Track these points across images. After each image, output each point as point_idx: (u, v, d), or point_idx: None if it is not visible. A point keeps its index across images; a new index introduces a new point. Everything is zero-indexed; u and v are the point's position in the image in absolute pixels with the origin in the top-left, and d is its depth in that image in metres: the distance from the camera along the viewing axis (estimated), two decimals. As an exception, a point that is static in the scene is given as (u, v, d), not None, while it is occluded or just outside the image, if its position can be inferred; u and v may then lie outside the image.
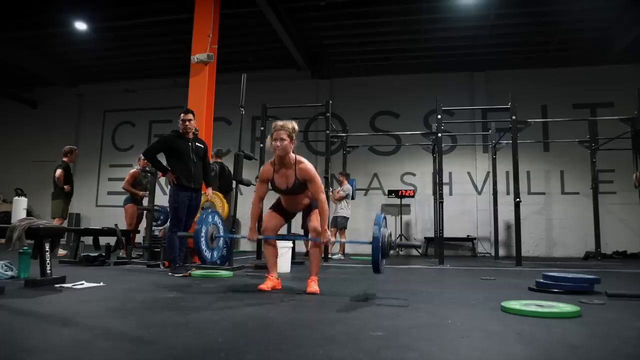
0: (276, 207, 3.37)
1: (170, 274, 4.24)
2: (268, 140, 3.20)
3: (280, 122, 3.15)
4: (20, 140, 12.84)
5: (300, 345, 1.65)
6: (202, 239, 3.34)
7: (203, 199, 4.90)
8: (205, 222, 3.44)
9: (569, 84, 10.14)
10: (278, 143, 3.08)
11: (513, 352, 1.61)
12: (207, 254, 3.38)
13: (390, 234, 2.95)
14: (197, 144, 4.70)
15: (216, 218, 3.63)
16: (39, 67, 11.66)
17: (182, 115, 4.64)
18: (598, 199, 8.15)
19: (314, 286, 3.14)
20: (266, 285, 3.19)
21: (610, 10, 8.54)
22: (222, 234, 3.70)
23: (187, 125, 4.59)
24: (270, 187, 3.25)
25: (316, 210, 3.21)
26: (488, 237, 9.84)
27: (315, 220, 3.18)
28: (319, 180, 3.17)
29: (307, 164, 3.16)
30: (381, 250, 2.88)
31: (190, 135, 4.65)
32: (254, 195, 3.30)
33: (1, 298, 2.61)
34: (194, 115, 4.75)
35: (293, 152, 3.19)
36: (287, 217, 3.42)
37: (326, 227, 3.13)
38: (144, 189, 6.72)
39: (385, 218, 3.09)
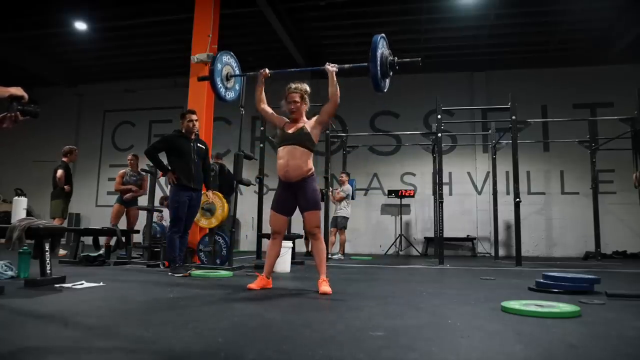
0: (276, 204, 3.32)
1: (170, 274, 4.23)
2: (283, 102, 3.40)
3: (293, 85, 3.36)
4: (20, 140, 12.83)
5: (300, 345, 1.65)
6: (218, 78, 3.34)
7: (203, 199, 4.87)
8: (220, 61, 3.44)
9: (569, 84, 10.14)
10: (292, 106, 3.31)
11: (513, 352, 1.61)
12: (223, 90, 3.40)
13: (391, 53, 2.96)
14: (198, 144, 4.65)
15: (231, 59, 3.64)
16: (39, 67, 11.66)
17: (187, 115, 4.56)
18: (598, 199, 8.15)
19: (325, 287, 3.09)
20: (256, 284, 3.25)
21: (610, 10, 8.54)
22: (237, 72, 3.71)
23: (193, 125, 4.54)
24: (277, 135, 3.37)
25: (314, 212, 3.24)
26: (488, 237, 9.84)
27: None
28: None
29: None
30: (380, 67, 2.90)
31: (193, 136, 4.62)
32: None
33: (1, 298, 2.62)
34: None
35: (306, 116, 3.39)
36: (287, 209, 3.33)
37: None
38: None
39: (384, 38, 3.13)
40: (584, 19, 8.92)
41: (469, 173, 10.52)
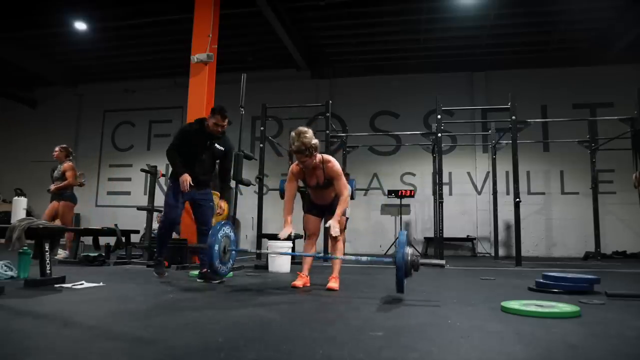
0: (309, 209, 3.60)
1: (154, 274, 3.90)
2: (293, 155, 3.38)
3: (296, 144, 3.19)
4: (19, 140, 12.84)
5: (300, 345, 1.65)
6: (215, 254, 3.16)
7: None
8: (217, 236, 3.20)
9: (569, 84, 10.14)
10: (306, 165, 3.30)
11: (513, 352, 1.61)
12: (221, 268, 3.25)
13: (414, 253, 2.91)
14: (216, 145, 4.00)
15: (228, 229, 3.40)
16: (39, 67, 11.66)
17: (218, 117, 3.89)
18: (598, 199, 8.15)
19: (333, 283, 3.32)
20: (299, 282, 3.41)
21: (610, 9, 8.54)
22: (234, 246, 3.47)
23: (219, 130, 3.95)
24: (301, 183, 3.50)
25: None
26: (488, 237, 9.84)
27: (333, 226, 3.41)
28: (343, 177, 3.43)
29: (334, 163, 3.39)
30: (404, 270, 2.85)
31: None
32: (286, 195, 3.49)
33: (1, 298, 2.61)
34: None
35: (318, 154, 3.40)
36: (321, 213, 3.61)
37: (340, 213, 3.32)
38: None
39: (407, 235, 3.09)
40: (584, 19, 8.92)
41: (468, 173, 10.53)
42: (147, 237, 5.70)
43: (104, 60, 11.64)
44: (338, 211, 3.29)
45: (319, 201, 3.57)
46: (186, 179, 3.76)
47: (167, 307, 2.54)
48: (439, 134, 6.84)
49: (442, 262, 3.09)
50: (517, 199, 6.28)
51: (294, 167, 3.45)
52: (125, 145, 12.44)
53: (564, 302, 2.55)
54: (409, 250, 2.82)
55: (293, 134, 3.25)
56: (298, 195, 3.67)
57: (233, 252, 3.41)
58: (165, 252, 4.09)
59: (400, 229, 10.16)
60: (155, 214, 6.84)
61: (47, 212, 5.97)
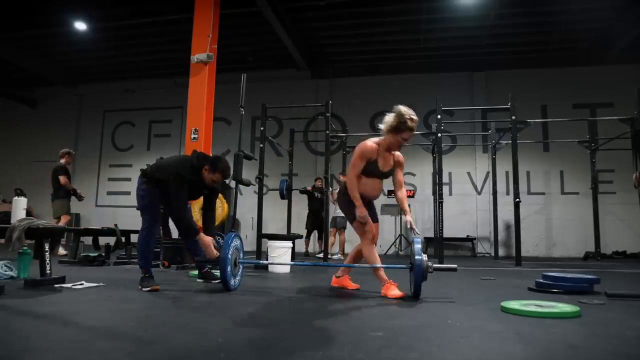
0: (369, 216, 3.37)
1: (139, 287, 3.19)
2: (393, 120, 3.20)
3: (415, 118, 3.22)
4: (20, 140, 12.84)
5: (300, 346, 1.65)
6: (229, 267, 3.10)
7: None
8: (230, 247, 3.12)
9: (569, 84, 10.15)
10: (405, 143, 3.25)
11: (513, 352, 1.61)
12: (232, 282, 3.21)
13: (428, 259, 2.94)
14: (205, 189, 3.67)
15: (238, 241, 3.33)
16: (39, 67, 11.67)
17: (219, 175, 3.50)
18: (598, 199, 8.15)
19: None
20: (396, 293, 3.06)
21: (610, 9, 8.54)
22: (242, 258, 3.40)
23: (212, 184, 3.60)
24: (366, 167, 3.24)
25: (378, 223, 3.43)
26: (488, 237, 9.84)
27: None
28: None
29: (401, 154, 3.44)
30: (422, 276, 2.88)
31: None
32: (353, 173, 3.25)
33: (1, 298, 2.61)
34: None
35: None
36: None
37: (408, 208, 3.37)
38: None
39: (420, 241, 3.09)
40: (584, 19, 8.93)
41: (468, 173, 10.53)
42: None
43: (104, 60, 11.64)
44: (406, 207, 3.32)
45: (373, 193, 3.35)
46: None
47: (167, 307, 2.54)
48: (439, 134, 6.83)
49: (455, 266, 3.11)
50: (517, 199, 6.27)
51: (369, 146, 3.23)
52: (125, 145, 12.44)
53: (564, 302, 2.55)
54: (425, 257, 2.85)
55: (406, 110, 3.20)
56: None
57: (241, 264, 3.36)
58: (150, 264, 3.44)
59: (400, 229, 10.17)
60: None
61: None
